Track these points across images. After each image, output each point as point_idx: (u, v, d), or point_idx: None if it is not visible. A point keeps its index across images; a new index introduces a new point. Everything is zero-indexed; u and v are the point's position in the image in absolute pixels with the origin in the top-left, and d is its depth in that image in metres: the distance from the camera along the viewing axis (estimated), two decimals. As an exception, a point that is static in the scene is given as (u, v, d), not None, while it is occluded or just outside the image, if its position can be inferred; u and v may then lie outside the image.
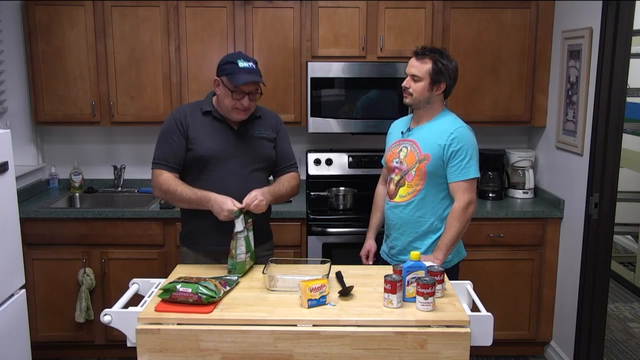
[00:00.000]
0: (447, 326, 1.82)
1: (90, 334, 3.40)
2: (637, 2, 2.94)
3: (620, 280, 4.82)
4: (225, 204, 2.17)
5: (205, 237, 2.38)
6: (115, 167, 3.82)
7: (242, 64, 2.26)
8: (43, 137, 3.82)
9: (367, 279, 2.15)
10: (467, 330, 1.82)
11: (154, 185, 2.34)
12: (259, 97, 2.34)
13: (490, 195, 3.59)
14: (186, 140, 2.32)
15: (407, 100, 2.45)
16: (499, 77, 3.50)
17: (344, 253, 3.05)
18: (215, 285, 1.94)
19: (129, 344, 1.91)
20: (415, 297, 1.90)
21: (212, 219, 2.29)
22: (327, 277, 2.00)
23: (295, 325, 1.82)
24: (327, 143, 3.87)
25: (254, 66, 2.29)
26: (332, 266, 2.16)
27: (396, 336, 1.80)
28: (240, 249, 2.18)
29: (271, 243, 2.58)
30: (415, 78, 2.40)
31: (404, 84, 2.43)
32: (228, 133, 2.36)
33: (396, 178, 2.50)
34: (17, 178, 2.87)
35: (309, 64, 3.38)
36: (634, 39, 3.10)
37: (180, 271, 2.23)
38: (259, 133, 2.42)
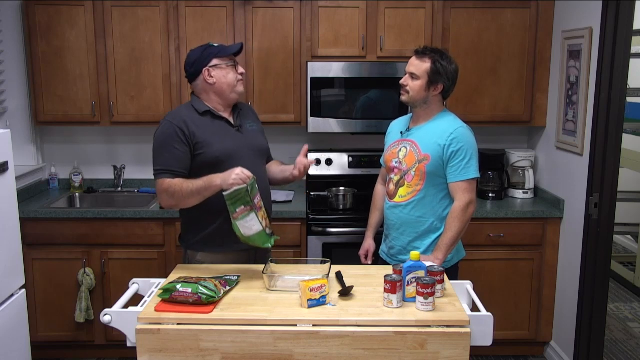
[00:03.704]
0: (447, 326, 1.82)
1: (90, 334, 3.40)
2: (637, 2, 2.94)
3: (620, 280, 4.82)
4: (234, 170, 2.08)
5: (230, 238, 2.23)
6: (115, 167, 3.83)
7: (215, 44, 2.35)
8: (43, 137, 3.82)
9: (367, 279, 2.15)
10: (467, 330, 1.82)
11: (159, 194, 2.24)
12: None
13: (490, 195, 3.59)
14: (191, 146, 2.26)
15: (403, 98, 2.46)
16: (499, 77, 3.50)
17: (344, 253, 3.05)
18: (215, 285, 1.94)
19: (129, 344, 1.91)
20: (415, 297, 1.90)
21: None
22: (327, 277, 2.00)
23: (295, 325, 1.82)
24: (327, 143, 3.87)
25: None
26: (332, 266, 2.16)
27: (396, 336, 1.80)
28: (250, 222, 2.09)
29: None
30: (413, 76, 2.40)
31: (402, 81, 2.44)
32: (230, 130, 2.35)
33: (396, 178, 2.50)
34: (17, 178, 2.87)
35: (309, 64, 3.38)
36: (634, 39, 3.10)
37: (180, 271, 2.22)
38: (250, 126, 2.44)
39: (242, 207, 2.05)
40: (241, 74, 2.35)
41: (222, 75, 2.31)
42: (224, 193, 2.05)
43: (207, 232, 2.37)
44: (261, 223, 2.10)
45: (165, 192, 2.21)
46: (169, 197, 2.21)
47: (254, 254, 2.42)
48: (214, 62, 2.30)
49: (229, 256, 2.38)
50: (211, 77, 2.30)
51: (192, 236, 2.40)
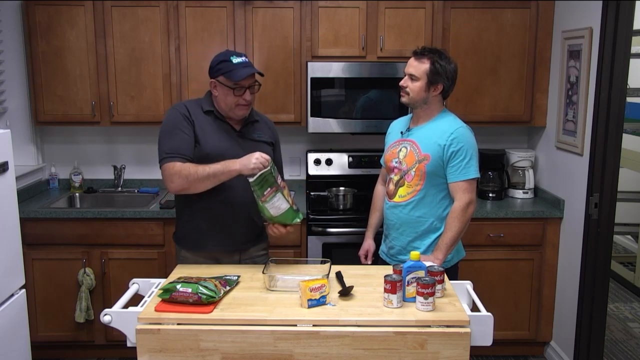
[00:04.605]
0: (447, 326, 1.82)
1: (90, 334, 3.40)
2: (637, 2, 2.94)
3: (620, 280, 4.82)
4: (253, 155, 2.11)
5: (207, 238, 2.37)
6: (115, 167, 3.82)
7: (235, 59, 2.28)
8: (43, 137, 3.82)
9: (367, 279, 2.15)
10: (467, 330, 1.82)
11: (169, 177, 2.20)
12: (257, 89, 2.36)
13: (490, 195, 3.59)
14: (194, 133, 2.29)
15: (403, 99, 2.46)
16: (499, 77, 3.50)
17: (344, 253, 3.05)
18: (215, 285, 1.94)
19: (129, 344, 1.91)
20: (415, 297, 1.90)
21: (214, 219, 2.28)
22: (327, 277, 2.00)
23: (295, 325, 1.82)
24: (327, 143, 3.87)
25: (247, 60, 2.32)
26: (332, 266, 2.16)
27: (396, 336, 1.80)
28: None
29: (266, 243, 2.57)
30: (413, 77, 2.40)
31: (402, 82, 2.44)
32: (232, 134, 2.36)
33: (395, 178, 2.50)
34: (17, 178, 2.87)
35: (309, 64, 3.38)
36: (634, 39, 3.10)
37: (180, 271, 2.23)
38: (259, 136, 2.42)
39: (269, 189, 2.12)
40: (245, 100, 2.29)
41: (222, 94, 2.31)
42: (250, 180, 2.09)
43: (186, 230, 2.41)
44: (288, 201, 2.16)
45: (177, 174, 2.18)
46: (182, 179, 2.18)
47: (238, 255, 2.43)
48: (221, 79, 2.29)
49: (211, 255, 2.39)
50: (215, 89, 2.33)
51: (177, 231, 2.47)
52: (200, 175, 2.16)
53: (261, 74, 2.35)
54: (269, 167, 2.10)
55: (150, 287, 2.13)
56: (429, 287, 1.86)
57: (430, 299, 1.86)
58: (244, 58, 2.31)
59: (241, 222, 2.38)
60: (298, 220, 2.21)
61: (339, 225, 3.33)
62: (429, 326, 1.82)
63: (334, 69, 3.38)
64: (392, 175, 2.53)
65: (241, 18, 3.40)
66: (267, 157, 2.12)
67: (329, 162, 3.75)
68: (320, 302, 1.91)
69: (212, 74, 2.32)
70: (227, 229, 2.31)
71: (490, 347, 1.89)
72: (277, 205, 2.14)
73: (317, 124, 3.43)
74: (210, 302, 1.90)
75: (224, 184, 2.23)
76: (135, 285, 2.17)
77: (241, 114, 2.33)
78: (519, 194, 3.63)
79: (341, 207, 3.49)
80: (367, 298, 1.98)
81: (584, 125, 3.08)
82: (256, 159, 2.10)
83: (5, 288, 2.52)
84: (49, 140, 3.85)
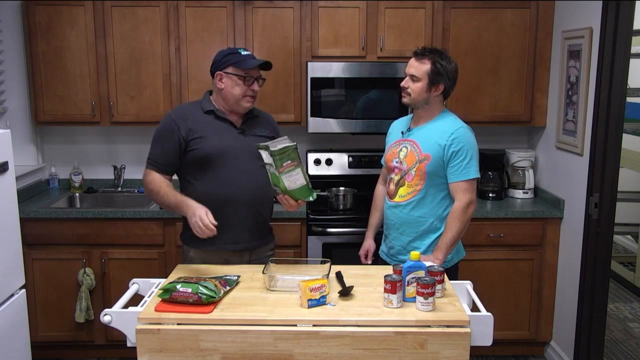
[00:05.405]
0: (447, 326, 1.82)
1: (90, 334, 3.40)
2: (637, 2, 2.94)
3: (620, 280, 4.82)
4: (198, 210, 2.15)
5: (217, 237, 2.32)
6: (115, 167, 3.82)
7: (244, 52, 2.35)
8: (43, 137, 3.82)
9: (367, 279, 2.15)
10: (467, 330, 1.82)
11: (144, 182, 2.38)
12: (262, 83, 2.40)
13: (490, 195, 3.59)
14: (185, 143, 2.32)
15: (405, 100, 2.46)
16: (499, 77, 3.50)
17: (344, 253, 3.05)
18: (215, 285, 1.94)
19: (129, 344, 1.91)
20: (415, 297, 1.90)
21: (222, 218, 2.29)
22: (327, 277, 2.00)
23: (295, 325, 1.82)
24: (327, 143, 3.87)
25: (252, 54, 2.39)
26: (332, 266, 2.16)
27: (396, 336, 1.80)
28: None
29: (274, 243, 2.58)
30: (414, 78, 2.40)
31: (403, 83, 2.44)
32: (232, 131, 2.37)
33: (396, 178, 2.50)
34: (17, 178, 2.87)
35: (309, 64, 3.38)
36: (634, 39, 3.10)
37: (180, 271, 2.23)
38: (260, 132, 2.43)
39: (289, 162, 2.16)
40: (252, 90, 2.34)
41: (230, 85, 2.33)
42: (272, 149, 2.11)
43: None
44: (305, 178, 2.21)
45: (146, 186, 2.37)
46: (148, 191, 2.38)
47: (248, 254, 2.43)
48: (229, 69, 2.32)
49: (220, 255, 2.39)
50: (221, 82, 2.35)
51: (185, 231, 2.45)
52: (160, 198, 2.31)
53: (270, 64, 2.38)
54: (294, 144, 2.16)
55: (150, 287, 2.14)
56: (429, 287, 1.86)
57: (430, 299, 1.86)
58: (249, 52, 2.38)
59: (249, 220, 2.39)
60: (311, 198, 2.24)
61: (339, 225, 3.33)
62: (429, 326, 1.82)
63: (334, 69, 3.38)
64: (393, 175, 2.53)
65: (241, 18, 3.40)
66: (206, 222, 2.11)
67: (329, 162, 3.75)
68: (320, 302, 1.91)
69: (219, 67, 2.34)
70: (235, 227, 2.32)
71: (490, 347, 1.89)
72: (294, 179, 2.18)
73: (317, 124, 3.43)
74: (210, 302, 1.90)
75: (231, 184, 2.29)
76: (135, 285, 2.17)
77: (247, 105, 2.36)
78: (519, 194, 3.63)
79: (341, 207, 3.49)
80: (367, 298, 1.98)
81: (584, 125, 3.08)
82: (195, 222, 2.13)
83: (5, 288, 2.52)
84: (49, 140, 3.85)
